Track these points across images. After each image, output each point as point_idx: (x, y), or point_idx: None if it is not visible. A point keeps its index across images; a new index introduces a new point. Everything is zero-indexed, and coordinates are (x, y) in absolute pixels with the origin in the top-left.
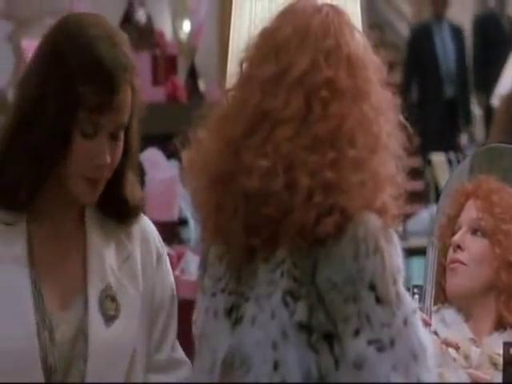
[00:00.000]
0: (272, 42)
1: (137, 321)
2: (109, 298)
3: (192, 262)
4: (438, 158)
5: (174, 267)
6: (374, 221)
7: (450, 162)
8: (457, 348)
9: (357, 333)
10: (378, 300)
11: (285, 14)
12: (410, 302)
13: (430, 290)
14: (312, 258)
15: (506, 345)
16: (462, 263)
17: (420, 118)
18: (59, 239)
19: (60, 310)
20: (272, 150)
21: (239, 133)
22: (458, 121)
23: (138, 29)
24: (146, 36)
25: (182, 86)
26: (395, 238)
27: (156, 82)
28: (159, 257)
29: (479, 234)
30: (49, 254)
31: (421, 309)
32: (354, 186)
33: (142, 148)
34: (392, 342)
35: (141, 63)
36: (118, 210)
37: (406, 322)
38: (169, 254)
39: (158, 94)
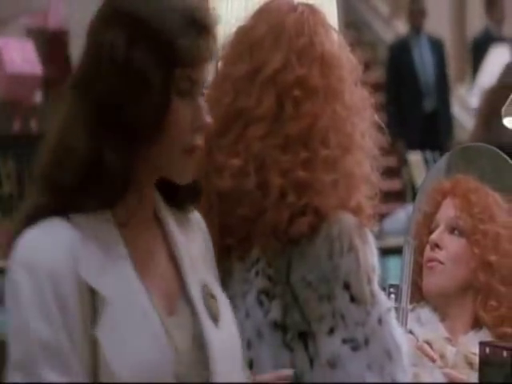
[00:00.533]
0: (246, 41)
1: (231, 311)
2: (209, 296)
3: None
4: (415, 157)
5: None
6: (348, 220)
7: (426, 161)
8: (433, 361)
9: (331, 331)
10: (353, 299)
11: (260, 13)
12: (385, 300)
13: (406, 290)
14: (286, 257)
15: (482, 344)
16: (439, 262)
17: (401, 133)
18: (146, 238)
19: (168, 315)
20: (244, 149)
21: (213, 132)
22: (440, 135)
23: None
24: None
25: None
26: (370, 238)
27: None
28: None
29: (457, 233)
30: (141, 255)
31: (397, 308)
32: (327, 185)
33: None
34: (366, 341)
35: None
36: (183, 195)
37: (380, 321)
38: None
39: None
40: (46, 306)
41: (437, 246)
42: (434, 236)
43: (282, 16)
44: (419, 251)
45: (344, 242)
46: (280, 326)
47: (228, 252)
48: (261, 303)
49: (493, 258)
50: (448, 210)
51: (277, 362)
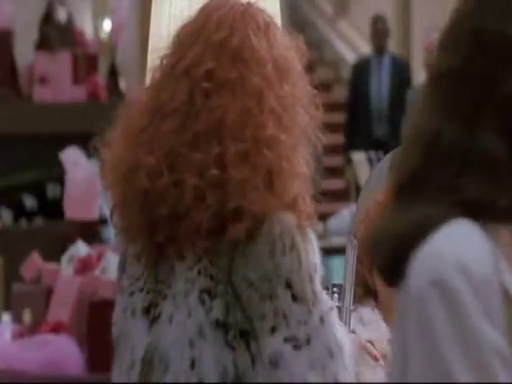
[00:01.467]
0: (177, 38)
1: None
2: None
3: (113, 261)
4: (359, 156)
5: (94, 266)
6: (289, 219)
7: (370, 160)
8: (376, 360)
9: (273, 330)
10: (295, 298)
11: (199, 11)
12: (327, 300)
13: (349, 289)
14: (228, 256)
15: None
16: None
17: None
18: None
19: None
20: (158, 147)
21: (136, 127)
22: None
23: (59, 28)
24: (66, 35)
25: (103, 85)
26: (312, 237)
27: (77, 80)
28: None
29: None
30: None
31: (340, 308)
32: (246, 183)
33: (62, 147)
34: (308, 340)
35: (61, 62)
36: None
37: (322, 320)
38: (89, 254)
39: (79, 93)
40: (489, 311)
41: None
42: None
43: (210, 12)
44: (363, 243)
45: (286, 241)
46: (222, 325)
47: (163, 249)
48: (203, 302)
49: None
50: None
51: (219, 361)
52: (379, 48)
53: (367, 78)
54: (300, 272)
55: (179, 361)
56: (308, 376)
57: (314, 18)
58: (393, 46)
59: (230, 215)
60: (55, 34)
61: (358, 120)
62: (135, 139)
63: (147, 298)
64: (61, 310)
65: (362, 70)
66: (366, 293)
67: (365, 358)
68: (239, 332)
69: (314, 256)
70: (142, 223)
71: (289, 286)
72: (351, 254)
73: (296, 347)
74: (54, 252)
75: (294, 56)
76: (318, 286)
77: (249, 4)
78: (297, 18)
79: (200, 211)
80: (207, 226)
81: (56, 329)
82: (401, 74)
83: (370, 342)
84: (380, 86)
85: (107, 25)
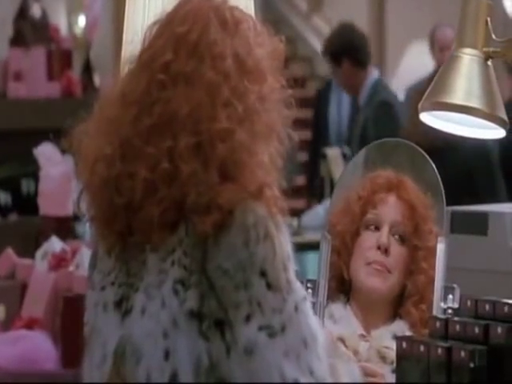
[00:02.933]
0: (148, 30)
1: None
2: None
3: (87, 257)
4: (333, 152)
5: (68, 262)
6: (261, 208)
7: (344, 156)
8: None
9: (248, 319)
10: (269, 286)
11: (174, 5)
12: (300, 289)
13: (323, 285)
14: (201, 246)
15: (399, 339)
16: (388, 270)
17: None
18: None
19: None
20: (116, 137)
21: (105, 119)
22: None
23: (33, 24)
24: (40, 31)
25: (77, 81)
26: (284, 226)
27: (51, 76)
28: None
29: (397, 237)
30: None
31: (314, 303)
32: (196, 176)
33: (37, 143)
34: (283, 328)
35: (35, 58)
36: None
37: (296, 309)
38: (63, 249)
39: (54, 89)
40: None
41: (386, 251)
42: (384, 239)
43: (181, 6)
44: (344, 236)
45: (260, 230)
46: (196, 316)
47: (124, 238)
48: (176, 293)
49: (424, 265)
50: (392, 211)
51: (193, 352)
52: None
53: (327, 101)
54: (274, 261)
55: (152, 352)
56: (283, 364)
57: (288, 13)
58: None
59: (190, 209)
60: (30, 30)
61: (314, 143)
62: (102, 130)
63: (119, 291)
64: (35, 305)
65: (322, 93)
66: (340, 285)
67: (337, 350)
68: (214, 322)
69: (287, 245)
70: (103, 213)
71: (263, 274)
72: (325, 250)
73: (271, 335)
74: (29, 248)
75: (264, 53)
76: (292, 275)
77: (222, 1)
78: (271, 14)
79: (152, 205)
80: (160, 220)
81: (30, 324)
82: None
83: (341, 338)
84: (340, 110)
85: (81, 21)
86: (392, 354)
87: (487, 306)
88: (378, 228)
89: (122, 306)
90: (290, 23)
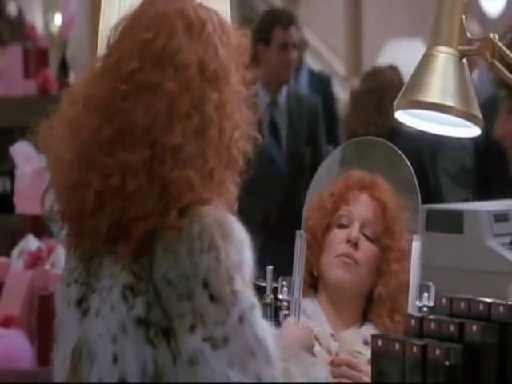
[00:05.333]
0: (113, 32)
1: None
2: None
3: (63, 255)
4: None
5: (44, 261)
6: (210, 217)
7: (327, 155)
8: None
9: (192, 329)
10: (212, 298)
11: (139, 5)
12: (249, 297)
13: (298, 282)
14: (150, 254)
15: (375, 337)
16: (356, 263)
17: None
18: None
19: None
20: (76, 141)
21: (68, 120)
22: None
23: (9, 21)
24: (16, 29)
25: (54, 79)
26: (238, 235)
27: (27, 74)
28: None
29: (368, 235)
30: None
31: (289, 301)
32: (142, 191)
33: (13, 141)
34: (226, 340)
35: (12, 56)
36: None
37: (241, 320)
38: (40, 248)
39: (30, 87)
40: None
41: (355, 244)
42: (354, 234)
43: (146, 9)
44: (315, 231)
45: (204, 240)
46: (143, 322)
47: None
48: (125, 298)
49: (395, 267)
50: (364, 209)
51: (140, 358)
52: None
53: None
54: (218, 272)
55: (103, 356)
56: (228, 374)
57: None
58: (342, 44)
59: (130, 226)
60: (6, 28)
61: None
62: (64, 130)
63: (80, 290)
64: (11, 303)
65: None
66: (310, 280)
67: (299, 353)
68: (160, 330)
69: (238, 255)
70: (62, 213)
71: (206, 285)
72: (300, 248)
73: (214, 347)
74: (5, 246)
75: (229, 52)
76: (239, 285)
77: (186, 1)
78: (247, 13)
79: (100, 217)
80: (107, 233)
81: (6, 323)
82: (321, 90)
83: (315, 336)
84: None
85: (58, 19)
86: (363, 360)
87: (462, 304)
88: (349, 225)
89: (82, 306)
90: None
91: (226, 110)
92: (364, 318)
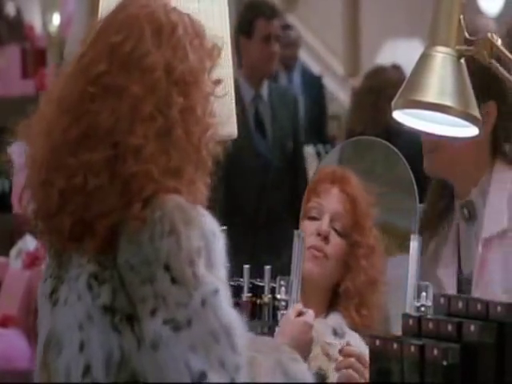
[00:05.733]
0: (90, 32)
1: None
2: None
3: None
4: (308, 150)
5: (42, 261)
6: (172, 203)
7: (319, 154)
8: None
9: (153, 313)
10: (174, 280)
11: (114, 7)
12: (212, 282)
13: (296, 283)
14: (114, 242)
15: (372, 337)
16: (326, 256)
17: None
18: None
19: None
20: (47, 142)
21: (43, 120)
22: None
23: (7, 22)
24: (15, 29)
25: (52, 79)
26: (200, 221)
27: (25, 74)
28: None
29: (337, 229)
30: None
31: (287, 300)
32: (103, 190)
33: (12, 140)
34: (189, 323)
35: (10, 56)
36: None
37: (204, 303)
38: (38, 248)
39: (28, 87)
40: None
41: (325, 238)
42: (325, 227)
43: (119, 11)
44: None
45: (165, 225)
46: (109, 310)
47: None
48: (90, 287)
49: (364, 263)
50: (335, 202)
51: (105, 345)
52: (287, 63)
53: None
54: (179, 255)
55: (70, 344)
56: (190, 358)
57: None
58: (340, 43)
59: (93, 223)
60: (4, 28)
61: None
62: (39, 130)
63: (52, 283)
64: (9, 303)
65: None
66: None
67: (281, 349)
68: (125, 316)
69: (199, 239)
70: (35, 212)
71: (167, 269)
72: (298, 247)
73: (175, 329)
74: (3, 246)
75: (200, 56)
76: (201, 269)
77: (159, 5)
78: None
79: (63, 215)
80: (70, 230)
81: (4, 322)
82: (312, 90)
83: None
84: None
85: (56, 19)
86: (335, 351)
87: (460, 304)
88: (319, 217)
89: (53, 297)
90: None
91: (195, 113)
92: (329, 308)
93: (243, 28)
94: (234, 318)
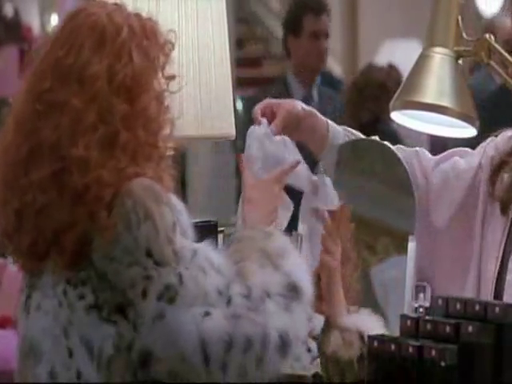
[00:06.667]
0: (43, 43)
1: None
2: None
3: None
4: None
5: None
6: (139, 186)
7: None
8: None
9: (144, 294)
10: (157, 263)
11: (64, 18)
12: (188, 247)
13: None
14: (84, 254)
15: (371, 338)
16: None
17: None
18: None
19: None
20: (4, 160)
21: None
22: None
23: (5, 23)
24: (13, 30)
25: None
26: (168, 195)
27: (23, 75)
28: None
29: None
30: None
31: None
32: (52, 206)
33: None
34: (180, 280)
35: (8, 57)
36: None
37: (187, 269)
38: None
39: None
40: None
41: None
42: None
43: (65, 24)
44: None
45: (139, 212)
46: (94, 308)
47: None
48: (65, 293)
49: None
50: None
51: (97, 341)
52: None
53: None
54: (158, 239)
55: (54, 351)
56: (194, 312)
57: (260, 12)
58: (339, 44)
59: (58, 239)
60: (2, 29)
61: None
62: (2, 147)
63: (26, 292)
64: (7, 304)
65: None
66: None
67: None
68: (114, 308)
69: (172, 213)
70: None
71: (149, 254)
72: (297, 248)
73: (170, 300)
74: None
75: (155, 59)
76: (178, 243)
77: (103, 11)
78: (243, 13)
79: (21, 235)
80: (31, 250)
81: (2, 324)
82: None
83: None
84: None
85: (54, 20)
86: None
87: (458, 305)
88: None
89: (26, 306)
90: (263, 22)
91: (146, 114)
92: None
93: (291, 26)
94: (222, 259)
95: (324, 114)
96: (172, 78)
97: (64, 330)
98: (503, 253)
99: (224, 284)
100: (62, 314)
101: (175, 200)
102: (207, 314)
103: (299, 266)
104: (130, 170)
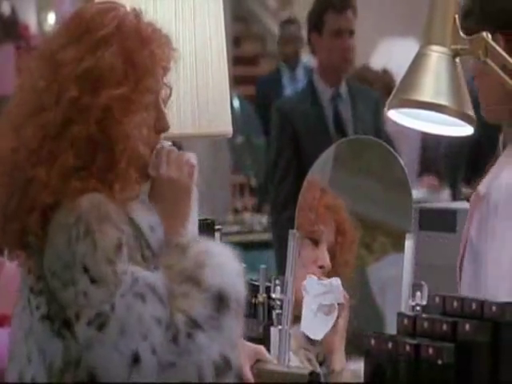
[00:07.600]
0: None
1: None
2: None
3: None
4: None
5: None
6: (86, 202)
7: None
8: None
9: (77, 317)
10: (93, 280)
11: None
12: (132, 273)
13: (291, 282)
14: (40, 251)
15: (368, 336)
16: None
17: None
18: None
19: None
20: (8, 159)
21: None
22: None
23: (2, 21)
24: (10, 28)
25: None
26: (118, 212)
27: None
28: None
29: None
30: None
31: (282, 300)
32: (22, 209)
33: None
34: (112, 308)
35: (5, 55)
36: None
37: (122, 297)
38: None
39: None
40: None
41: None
42: (328, 262)
43: (61, 25)
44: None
45: (80, 227)
46: (46, 319)
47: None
48: (30, 300)
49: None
50: (331, 234)
51: (47, 353)
52: (290, 59)
53: (277, 97)
54: (95, 256)
55: (19, 356)
56: (119, 344)
57: (257, 10)
58: None
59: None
60: None
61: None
62: (7, 134)
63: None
64: (5, 302)
65: (270, 87)
66: None
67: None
68: (62, 322)
69: (117, 236)
70: None
71: (86, 270)
72: (293, 246)
73: (100, 327)
74: None
75: (120, 67)
76: (120, 266)
77: (93, 14)
78: (241, 11)
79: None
80: (10, 253)
81: (0, 322)
82: None
83: None
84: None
85: (51, 18)
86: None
87: (455, 303)
88: (318, 241)
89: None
90: (260, 20)
91: (103, 110)
92: None
93: (313, 24)
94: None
95: (356, 110)
96: (153, 92)
97: (25, 336)
98: None
99: (165, 313)
100: (24, 320)
101: (137, 222)
102: (136, 359)
103: (220, 267)
104: (76, 176)
